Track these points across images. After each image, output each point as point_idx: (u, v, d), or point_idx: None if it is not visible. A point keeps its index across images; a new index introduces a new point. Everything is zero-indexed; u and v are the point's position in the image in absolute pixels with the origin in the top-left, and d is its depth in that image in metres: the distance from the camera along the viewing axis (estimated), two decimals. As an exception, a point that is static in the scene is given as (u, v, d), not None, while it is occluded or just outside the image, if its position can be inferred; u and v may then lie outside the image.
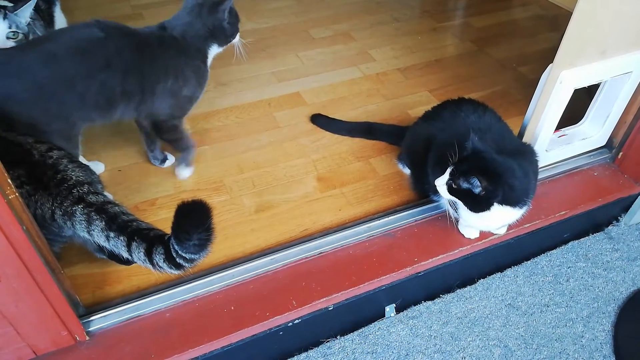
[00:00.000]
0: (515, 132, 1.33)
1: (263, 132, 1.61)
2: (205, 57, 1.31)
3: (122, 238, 0.90)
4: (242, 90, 1.77)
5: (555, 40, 2.10)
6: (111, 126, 1.60)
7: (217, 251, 1.24)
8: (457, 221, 1.26)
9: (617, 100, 1.34)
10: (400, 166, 1.48)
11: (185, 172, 1.43)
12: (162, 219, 1.32)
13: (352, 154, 1.54)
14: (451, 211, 1.22)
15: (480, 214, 1.08)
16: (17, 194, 0.80)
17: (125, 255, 0.92)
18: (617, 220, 1.50)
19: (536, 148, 1.29)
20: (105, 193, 1.11)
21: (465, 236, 1.26)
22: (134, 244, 0.89)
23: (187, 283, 1.13)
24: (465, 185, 1.05)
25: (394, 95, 1.78)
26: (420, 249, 1.23)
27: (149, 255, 0.89)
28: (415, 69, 1.91)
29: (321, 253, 1.21)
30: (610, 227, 1.49)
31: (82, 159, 1.29)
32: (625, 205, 1.48)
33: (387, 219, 1.28)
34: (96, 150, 1.51)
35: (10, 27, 1.27)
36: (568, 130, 1.44)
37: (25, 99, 1.09)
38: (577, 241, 1.46)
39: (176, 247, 0.86)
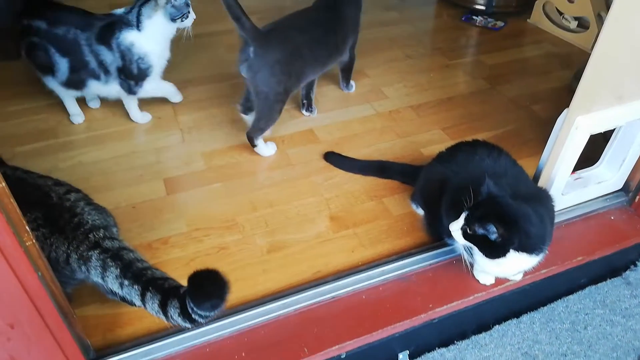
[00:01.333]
0: (529, 172, 1.32)
1: (276, 169, 1.62)
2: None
3: (136, 287, 0.90)
4: (256, 127, 1.79)
5: (568, 79, 2.11)
6: (124, 161, 1.62)
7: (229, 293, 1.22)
8: (472, 266, 1.25)
9: (633, 145, 1.33)
10: (414, 206, 1.47)
11: (353, 87, 1.98)
12: (174, 258, 1.31)
13: (365, 192, 1.53)
14: (466, 256, 1.20)
15: (496, 260, 1.07)
16: (34, 241, 0.81)
17: (138, 303, 0.91)
18: (635, 265, 1.48)
19: (552, 192, 1.28)
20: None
21: (481, 282, 1.24)
22: (149, 294, 0.89)
23: (198, 328, 1.11)
24: (480, 231, 1.04)
25: (406, 133, 1.78)
26: (435, 294, 1.21)
27: (163, 307, 0.88)
28: (427, 107, 1.92)
29: (334, 298, 1.19)
30: (628, 272, 1.47)
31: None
32: (643, 250, 1.46)
33: (400, 262, 1.26)
34: (111, 185, 1.53)
35: None
36: (584, 173, 1.43)
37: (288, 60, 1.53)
38: (594, 286, 1.43)
39: (192, 305, 0.86)
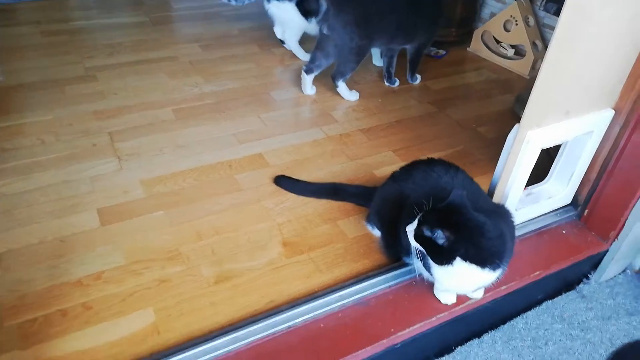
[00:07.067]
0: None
1: (224, 195, 1.52)
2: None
3: None
4: (201, 152, 1.70)
5: (509, 102, 2.18)
6: (52, 192, 1.47)
7: (172, 330, 1.10)
8: (433, 286, 1.20)
9: (579, 160, 1.35)
10: (369, 228, 1.42)
11: (417, 80, 2.25)
12: (109, 295, 1.18)
13: (319, 216, 1.46)
14: (425, 274, 1.15)
15: (447, 270, 1.02)
16: None
17: None
18: (588, 278, 1.48)
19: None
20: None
21: (442, 301, 1.19)
22: None
23: (136, 370, 0.98)
24: (427, 233, 1.00)
25: (358, 156, 1.75)
26: (397, 317, 1.14)
27: None
28: (377, 130, 1.91)
29: (290, 328, 1.09)
30: (581, 285, 1.47)
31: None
32: (594, 263, 1.47)
33: (359, 286, 1.19)
34: (37, 218, 1.37)
35: None
36: (534, 188, 1.44)
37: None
38: (551, 301, 1.42)
39: None
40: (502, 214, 1.15)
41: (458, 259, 1.00)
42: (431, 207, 1.05)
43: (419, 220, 1.04)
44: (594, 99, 1.25)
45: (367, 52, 2.01)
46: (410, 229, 1.06)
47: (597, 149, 1.35)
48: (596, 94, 1.24)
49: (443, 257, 1.02)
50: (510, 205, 1.29)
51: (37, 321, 1.10)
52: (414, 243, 1.06)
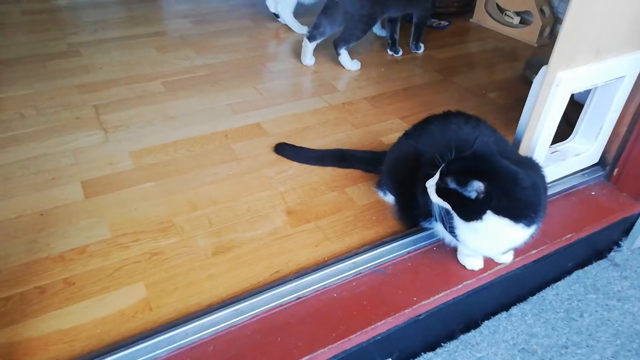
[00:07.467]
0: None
1: (220, 164, 1.39)
2: None
3: None
4: (193, 123, 1.56)
5: (517, 69, 2.06)
6: (32, 164, 1.34)
7: (165, 305, 0.97)
8: (456, 251, 1.08)
9: (609, 111, 1.23)
10: (381, 194, 1.29)
11: (421, 48, 2.16)
12: (95, 269, 1.04)
13: (325, 183, 1.34)
14: (448, 238, 1.03)
15: (476, 227, 0.90)
16: None
17: None
18: (618, 245, 1.37)
19: (533, 163, 1.15)
20: None
21: (468, 267, 1.07)
22: None
23: (125, 349, 0.85)
24: (453, 185, 0.87)
25: (363, 124, 1.62)
26: (418, 286, 1.02)
27: None
28: (382, 98, 1.78)
29: (299, 298, 0.97)
30: (613, 253, 1.35)
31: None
32: (626, 227, 1.35)
33: (375, 252, 1.07)
34: (14, 192, 1.24)
35: None
36: (559, 146, 1.32)
37: None
38: (581, 270, 1.30)
39: None
40: (531, 165, 1.03)
41: (489, 213, 0.88)
42: (454, 157, 0.92)
43: (441, 172, 0.92)
44: (626, 38, 1.13)
45: (376, 21, 1.93)
46: (431, 183, 0.93)
47: (628, 98, 1.23)
48: (628, 32, 1.12)
49: (472, 211, 0.89)
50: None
51: (11, 300, 0.97)
52: (436, 199, 0.93)
